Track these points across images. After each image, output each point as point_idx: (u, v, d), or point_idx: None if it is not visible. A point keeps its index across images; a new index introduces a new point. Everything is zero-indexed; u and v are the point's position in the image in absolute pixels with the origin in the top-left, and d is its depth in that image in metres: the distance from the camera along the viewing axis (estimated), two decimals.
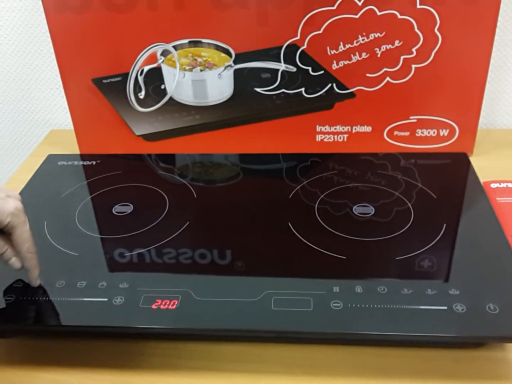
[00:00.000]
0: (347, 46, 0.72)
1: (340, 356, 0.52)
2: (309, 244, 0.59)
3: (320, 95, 0.76)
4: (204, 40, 0.74)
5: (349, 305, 0.50)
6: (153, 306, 0.52)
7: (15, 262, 0.53)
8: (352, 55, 0.73)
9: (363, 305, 0.50)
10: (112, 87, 0.78)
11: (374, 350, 0.52)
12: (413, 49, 0.72)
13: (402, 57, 0.72)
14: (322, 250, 0.58)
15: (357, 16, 0.70)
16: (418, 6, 0.69)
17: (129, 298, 0.53)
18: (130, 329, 0.51)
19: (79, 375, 0.52)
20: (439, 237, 0.59)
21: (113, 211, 0.67)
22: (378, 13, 0.70)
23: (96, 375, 0.52)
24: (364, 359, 0.51)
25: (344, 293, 0.52)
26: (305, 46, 0.73)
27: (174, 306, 0.51)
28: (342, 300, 0.51)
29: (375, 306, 0.50)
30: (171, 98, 0.79)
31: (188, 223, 0.64)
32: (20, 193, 0.70)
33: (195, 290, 0.53)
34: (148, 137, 0.82)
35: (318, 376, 0.50)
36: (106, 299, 0.53)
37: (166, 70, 0.77)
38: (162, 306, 0.52)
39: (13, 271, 0.54)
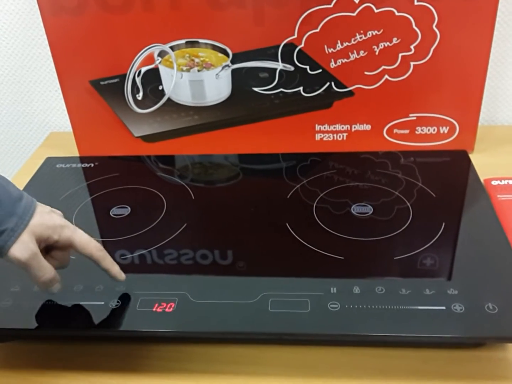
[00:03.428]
0: (345, 44, 0.72)
1: (338, 358, 0.51)
2: (307, 244, 0.59)
3: (319, 94, 0.76)
4: (201, 40, 0.74)
5: (346, 306, 0.50)
6: (150, 309, 0.51)
7: (57, 286, 0.51)
8: (350, 53, 0.72)
9: (360, 306, 0.50)
10: (110, 89, 0.78)
11: (372, 351, 0.51)
12: (412, 46, 0.71)
13: (400, 55, 0.72)
14: (319, 251, 0.58)
15: (354, 14, 0.69)
16: (416, 3, 0.68)
17: (126, 301, 0.52)
18: (127, 332, 0.51)
19: (76, 378, 0.52)
20: (438, 236, 0.58)
21: (111, 214, 0.67)
22: (376, 11, 0.69)
23: (93, 378, 0.51)
24: (363, 360, 0.51)
25: (341, 294, 0.51)
26: (302, 45, 0.73)
27: (171, 309, 0.51)
28: (339, 301, 0.50)
29: (373, 306, 0.50)
30: (169, 99, 0.79)
31: (185, 225, 0.63)
32: None
33: (192, 293, 0.53)
34: (147, 138, 0.82)
35: (316, 377, 0.50)
36: (102, 303, 0.53)
37: (163, 71, 0.77)
38: (159, 309, 0.51)
39: (12, 273, 0.54)
